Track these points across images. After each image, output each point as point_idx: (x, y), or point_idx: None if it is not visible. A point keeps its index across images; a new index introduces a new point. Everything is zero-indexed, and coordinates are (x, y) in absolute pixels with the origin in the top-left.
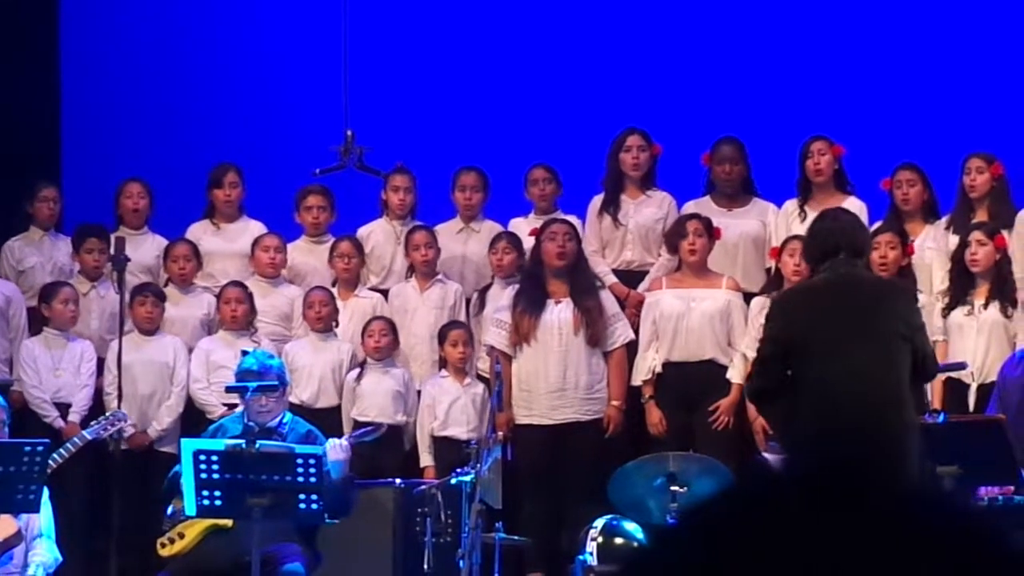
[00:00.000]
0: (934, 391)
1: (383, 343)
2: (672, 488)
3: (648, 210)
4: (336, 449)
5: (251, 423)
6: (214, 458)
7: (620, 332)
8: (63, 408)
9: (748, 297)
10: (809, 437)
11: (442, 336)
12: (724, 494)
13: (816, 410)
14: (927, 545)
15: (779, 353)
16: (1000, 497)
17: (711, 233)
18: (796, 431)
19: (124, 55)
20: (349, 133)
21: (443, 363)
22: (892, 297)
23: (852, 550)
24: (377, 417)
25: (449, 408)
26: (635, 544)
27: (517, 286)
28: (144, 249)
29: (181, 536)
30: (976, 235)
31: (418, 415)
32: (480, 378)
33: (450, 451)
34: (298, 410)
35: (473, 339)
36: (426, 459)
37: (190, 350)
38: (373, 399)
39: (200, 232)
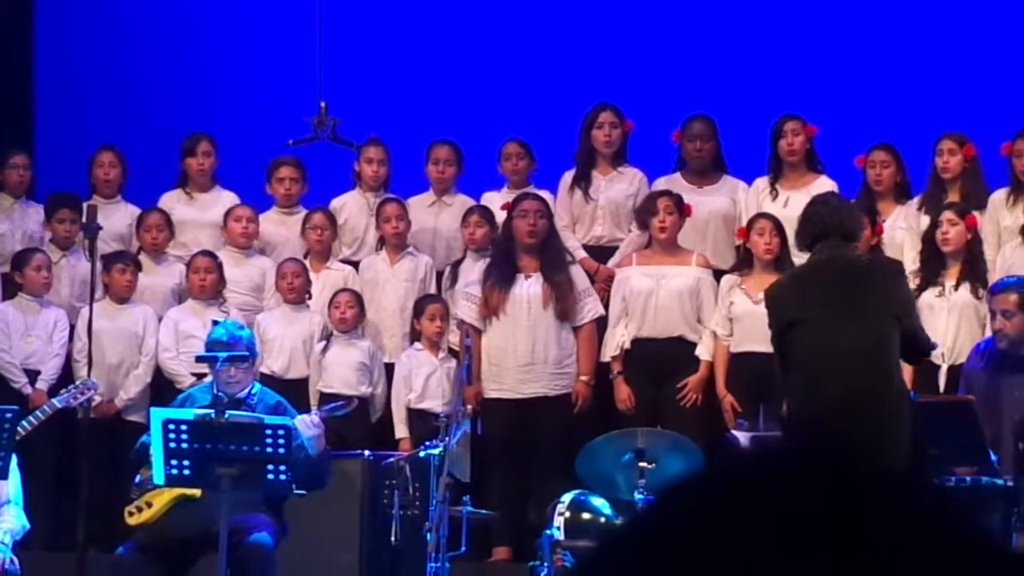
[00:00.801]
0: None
1: (349, 315)
2: (640, 464)
3: (619, 186)
4: (308, 425)
5: (220, 393)
6: (183, 427)
7: (590, 307)
8: (32, 375)
9: (718, 274)
10: (798, 414)
11: (419, 309)
12: (698, 474)
13: (806, 385)
14: (905, 531)
15: (778, 337)
16: (968, 478)
17: (682, 210)
18: (787, 406)
19: (98, 23)
20: (323, 105)
21: (416, 336)
22: (881, 275)
23: (827, 532)
24: (341, 389)
25: (426, 381)
26: (602, 520)
27: (488, 260)
28: (116, 217)
29: (149, 505)
30: (947, 215)
31: (393, 388)
32: (450, 351)
33: (426, 424)
34: (268, 381)
35: (448, 313)
36: (401, 431)
37: (160, 320)
38: (338, 371)
39: (173, 201)
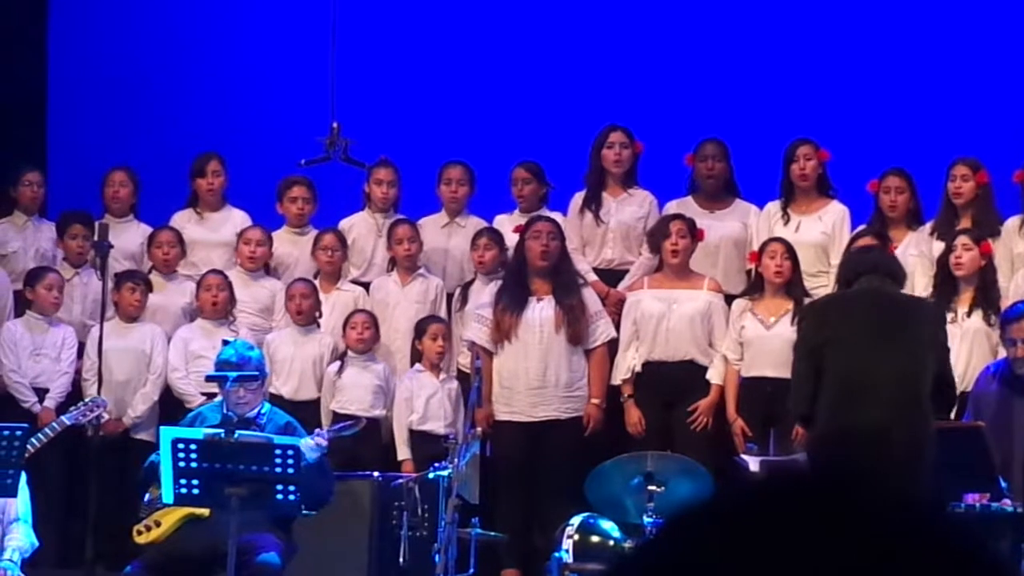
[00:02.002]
0: None
1: (367, 336)
2: (649, 488)
3: (629, 208)
4: (310, 448)
5: (230, 413)
6: (192, 447)
7: (602, 330)
8: (40, 393)
9: (728, 299)
10: (824, 437)
11: (420, 330)
12: (708, 500)
13: (837, 405)
14: (919, 559)
15: (810, 353)
16: (978, 504)
17: (694, 234)
18: (813, 434)
19: (112, 43)
20: (335, 125)
21: (417, 356)
22: (922, 314)
23: (840, 561)
24: (357, 410)
25: (427, 402)
26: (611, 543)
27: (500, 282)
28: (128, 236)
29: (157, 524)
30: (962, 239)
31: (395, 409)
32: (460, 373)
33: (427, 445)
34: (278, 402)
35: (452, 334)
36: (403, 452)
37: (169, 338)
38: (353, 392)
39: (183, 221)
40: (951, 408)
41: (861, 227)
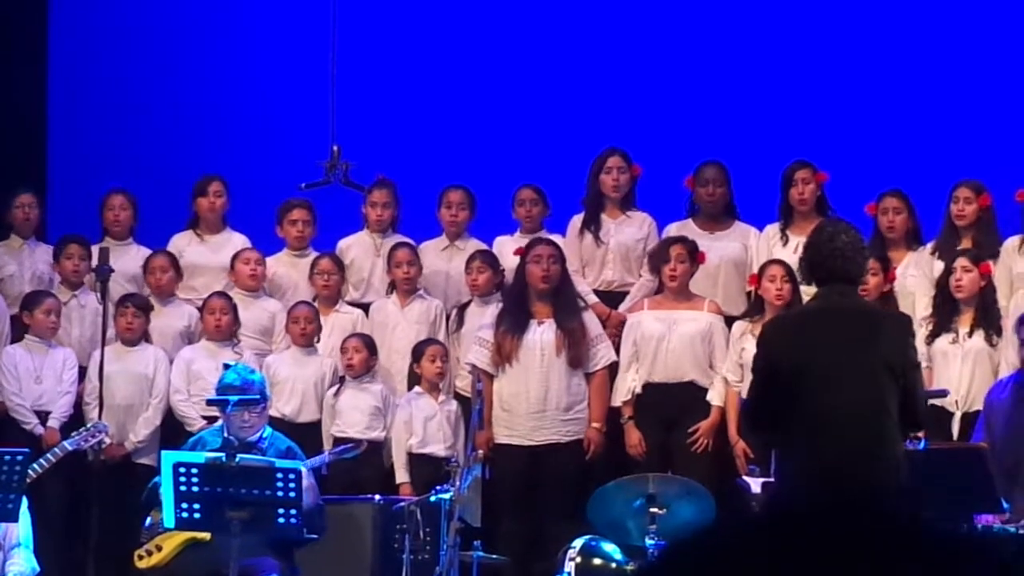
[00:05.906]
0: None
1: (356, 360)
2: (651, 510)
3: (629, 230)
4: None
5: (231, 437)
6: (194, 471)
7: (603, 354)
8: (43, 416)
9: (729, 321)
10: (799, 473)
11: (418, 352)
12: (711, 528)
13: (806, 445)
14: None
15: (769, 381)
16: (980, 525)
17: (694, 258)
18: (786, 466)
19: (112, 66)
20: (335, 148)
21: (415, 380)
22: (886, 329)
23: None
24: (354, 433)
25: (426, 425)
26: (613, 565)
27: (500, 305)
28: (128, 259)
29: (159, 548)
30: (961, 261)
31: (394, 432)
32: (458, 396)
33: (427, 468)
34: (279, 424)
35: (449, 356)
36: (402, 475)
37: (171, 361)
38: (350, 415)
39: (183, 243)
40: (919, 427)
41: None
